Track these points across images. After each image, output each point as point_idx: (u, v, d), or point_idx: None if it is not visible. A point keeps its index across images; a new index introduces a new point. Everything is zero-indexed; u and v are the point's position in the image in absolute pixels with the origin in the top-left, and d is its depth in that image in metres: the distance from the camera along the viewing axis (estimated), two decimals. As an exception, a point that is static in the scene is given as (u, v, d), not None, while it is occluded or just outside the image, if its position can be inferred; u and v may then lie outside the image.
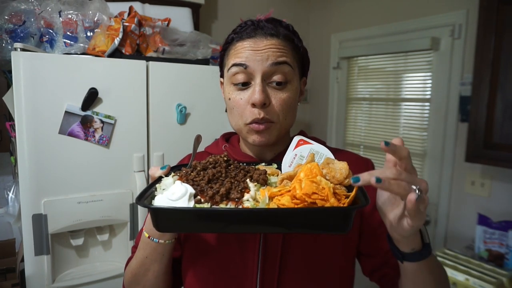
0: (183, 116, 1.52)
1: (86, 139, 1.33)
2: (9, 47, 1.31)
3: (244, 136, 0.74)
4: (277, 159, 0.77)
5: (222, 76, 0.81)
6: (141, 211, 1.44)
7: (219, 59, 0.80)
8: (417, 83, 2.29)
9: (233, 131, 0.89)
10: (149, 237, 0.67)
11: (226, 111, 1.79)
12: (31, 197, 1.26)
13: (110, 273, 1.42)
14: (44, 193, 1.28)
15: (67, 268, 1.41)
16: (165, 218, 0.55)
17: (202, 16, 2.29)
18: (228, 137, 0.88)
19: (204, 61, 1.63)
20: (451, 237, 2.12)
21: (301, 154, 0.64)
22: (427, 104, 2.22)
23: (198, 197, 0.56)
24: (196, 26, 2.10)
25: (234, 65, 0.70)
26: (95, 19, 1.40)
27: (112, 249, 1.49)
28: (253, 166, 0.65)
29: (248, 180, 0.59)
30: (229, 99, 0.73)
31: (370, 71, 2.62)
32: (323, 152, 0.64)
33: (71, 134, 1.30)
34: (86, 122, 1.32)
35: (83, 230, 1.41)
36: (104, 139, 1.36)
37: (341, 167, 0.57)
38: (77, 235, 1.40)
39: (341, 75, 2.76)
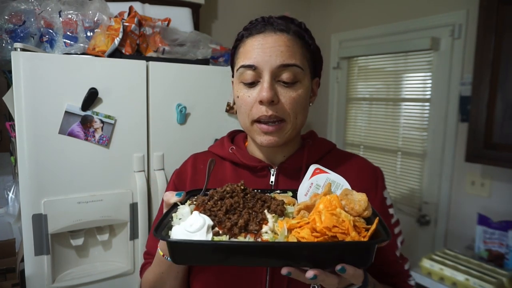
0: (183, 116, 1.52)
1: (86, 139, 1.33)
2: (9, 47, 1.31)
3: (252, 136, 0.73)
4: (287, 163, 0.76)
5: (233, 75, 0.79)
6: (141, 211, 1.44)
7: (230, 57, 0.79)
8: (417, 83, 2.29)
9: (239, 129, 0.87)
10: (163, 255, 0.67)
11: (226, 110, 1.79)
12: (31, 197, 1.26)
13: (110, 273, 1.42)
14: (44, 193, 1.28)
15: (67, 268, 1.40)
16: (183, 252, 0.53)
17: (202, 16, 2.29)
18: (233, 136, 0.86)
19: (204, 61, 1.63)
20: (451, 237, 2.12)
21: (317, 183, 0.64)
22: (427, 104, 2.22)
23: (216, 228, 0.55)
24: (196, 26, 2.10)
25: (243, 66, 0.69)
26: (95, 19, 1.40)
27: (112, 249, 1.49)
28: (269, 195, 0.64)
29: (266, 211, 0.58)
30: (238, 97, 0.72)
31: (370, 71, 2.62)
32: (340, 182, 0.63)
33: (71, 134, 1.30)
34: (86, 122, 1.32)
35: (83, 230, 1.41)
36: (104, 139, 1.36)
37: (360, 199, 0.56)
38: (77, 235, 1.40)
39: (341, 75, 2.76)
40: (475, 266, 1.64)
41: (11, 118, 1.47)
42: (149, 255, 0.82)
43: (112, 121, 1.37)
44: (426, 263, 1.69)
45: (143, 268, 0.82)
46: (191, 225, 0.54)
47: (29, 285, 1.28)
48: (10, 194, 1.49)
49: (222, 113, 1.63)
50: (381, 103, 2.51)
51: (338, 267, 0.50)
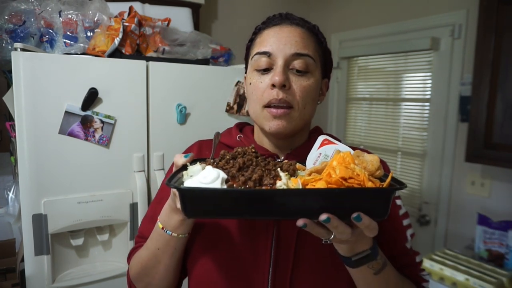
0: (183, 116, 1.52)
1: (86, 139, 1.33)
2: (9, 47, 1.31)
3: (260, 123, 0.73)
4: (294, 153, 0.75)
5: (247, 71, 0.79)
6: (141, 211, 1.44)
7: (245, 51, 0.80)
8: (417, 83, 2.29)
9: (246, 121, 0.87)
10: (163, 228, 0.65)
11: (226, 110, 1.79)
12: (31, 197, 1.26)
13: (110, 273, 1.41)
14: (44, 193, 1.28)
15: (67, 268, 1.40)
16: (197, 201, 0.51)
17: (202, 16, 2.29)
18: (241, 128, 0.86)
19: (204, 61, 1.63)
20: (451, 237, 2.12)
21: (325, 153, 0.64)
22: (427, 104, 2.22)
23: (230, 183, 0.54)
24: (196, 26, 2.10)
25: (258, 53, 0.71)
26: (95, 19, 1.40)
27: (112, 249, 1.49)
28: (278, 161, 0.64)
29: (278, 169, 0.58)
30: (250, 83, 0.73)
31: (370, 71, 2.62)
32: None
33: (71, 134, 1.30)
34: (86, 122, 1.32)
35: (83, 230, 1.41)
36: (104, 139, 1.36)
37: (372, 159, 0.56)
38: (77, 235, 1.40)
39: (341, 75, 2.76)
40: (475, 266, 1.64)
41: (11, 118, 1.47)
42: (141, 238, 0.80)
43: (112, 121, 1.37)
44: (426, 263, 1.69)
45: (133, 252, 0.79)
46: (205, 177, 0.52)
47: (29, 285, 1.28)
48: (10, 194, 1.49)
49: (222, 113, 1.63)
50: (381, 103, 2.51)
51: (354, 215, 0.50)
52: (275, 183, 0.54)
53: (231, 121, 1.64)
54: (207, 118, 1.59)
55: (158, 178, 1.48)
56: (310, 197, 0.51)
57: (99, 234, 1.44)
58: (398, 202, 0.77)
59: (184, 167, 0.60)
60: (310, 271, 0.68)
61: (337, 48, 2.74)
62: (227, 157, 0.59)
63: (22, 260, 1.32)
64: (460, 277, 1.56)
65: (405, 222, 0.77)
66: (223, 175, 0.53)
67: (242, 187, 0.53)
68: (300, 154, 0.75)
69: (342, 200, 0.51)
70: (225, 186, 0.53)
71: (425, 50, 2.17)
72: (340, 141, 0.73)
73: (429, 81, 2.19)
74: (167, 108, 1.50)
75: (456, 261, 1.67)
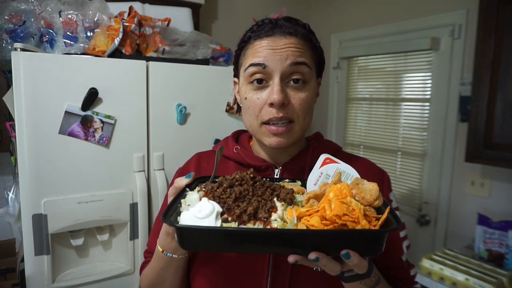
0: (183, 116, 1.52)
1: (86, 139, 1.33)
2: (9, 47, 1.31)
3: (259, 138, 0.72)
4: (291, 163, 0.76)
5: (235, 75, 0.79)
6: (141, 211, 1.44)
7: (234, 58, 0.79)
8: (417, 83, 2.29)
9: (240, 129, 0.87)
10: (162, 251, 0.67)
11: (226, 110, 1.79)
12: (31, 197, 1.26)
13: (110, 273, 1.42)
14: (44, 193, 1.28)
15: (67, 268, 1.40)
16: (191, 237, 0.53)
17: (202, 16, 2.29)
18: (238, 136, 0.86)
19: (204, 61, 1.63)
20: (451, 237, 2.12)
21: (327, 173, 0.63)
22: (427, 104, 2.22)
23: (225, 215, 0.55)
24: (196, 26, 2.10)
25: (252, 64, 0.68)
26: (95, 19, 1.40)
27: (112, 249, 1.49)
28: (278, 184, 0.64)
29: (275, 199, 0.58)
30: (245, 98, 0.71)
31: (370, 71, 2.62)
32: (350, 172, 0.63)
33: (71, 134, 1.30)
34: (86, 122, 1.32)
35: (83, 230, 1.41)
36: (104, 139, 1.36)
37: (371, 188, 0.56)
38: (77, 235, 1.40)
39: (341, 75, 2.76)
40: (475, 266, 1.64)
41: (11, 118, 1.46)
42: (149, 253, 0.82)
43: (112, 121, 1.37)
44: (426, 263, 1.69)
45: (143, 266, 0.82)
46: (200, 211, 0.54)
47: (29, 285, 1.28)
48: (10, 194, 1.49)
49: (222, 113, 1.63)
50: (381, 103, 2.51)
51: (343, 252, 0.50)
52: (270, 216, 0.55)
53: (231, 121, 1.64)
54: (207, 118, 1.59)
55: (158, 178, 1.48)
56: (301, 237, 0.52)
57: (99, 234, 1.44)
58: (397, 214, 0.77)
59: (184, 191, 0.62)
60: (308, 281, 0.68)
61: (337, 48, 2.74)
62: (225, 185, 0.60)
63: (22, 260, 1.32)
64: (460, 277, 1.56)
65: (402, 233, 0.77)
66: (218, 208, 0.55)
67: (236, 222, 0.54)
68: (297, 164, 0.75)
69: (333, 240, 0.52)
70: (219, 220, 0.54)
71: (425, 50, 2.17)
72: (340, 148, 0.73)
73: (429, 81, 2.19)
74: (167, 108, 1.50)
75: (456, 261, 1.67)
